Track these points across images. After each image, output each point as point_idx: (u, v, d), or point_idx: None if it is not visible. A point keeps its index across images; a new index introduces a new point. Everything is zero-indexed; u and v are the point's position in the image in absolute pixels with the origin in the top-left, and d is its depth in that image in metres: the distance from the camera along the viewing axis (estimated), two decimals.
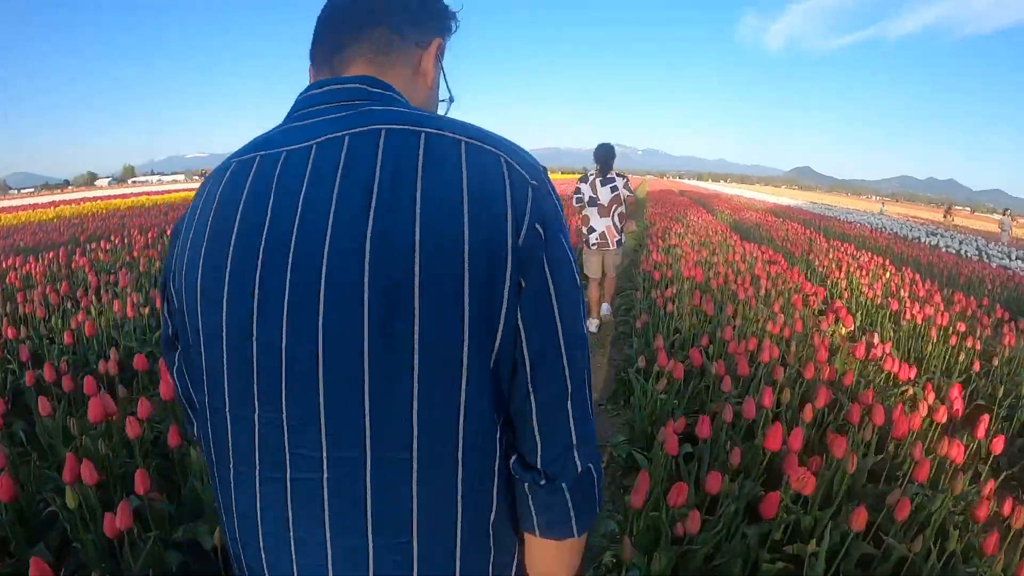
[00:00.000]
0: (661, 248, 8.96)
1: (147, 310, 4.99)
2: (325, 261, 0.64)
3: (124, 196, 24.56)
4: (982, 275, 10.22)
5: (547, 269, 0.68)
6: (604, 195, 5.72)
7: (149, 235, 9.21)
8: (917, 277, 8.29)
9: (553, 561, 0.80)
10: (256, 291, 0.67)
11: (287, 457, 0.70)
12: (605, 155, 5.65)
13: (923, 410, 3.06)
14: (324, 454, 0.68)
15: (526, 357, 0.69)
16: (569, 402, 0.72)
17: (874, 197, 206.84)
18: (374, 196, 0.64)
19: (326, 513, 0.69)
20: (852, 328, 5.38)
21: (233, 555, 0.82)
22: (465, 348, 0.65)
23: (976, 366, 4.46)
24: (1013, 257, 14.71)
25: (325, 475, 0.68)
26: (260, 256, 0.67)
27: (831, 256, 10.08)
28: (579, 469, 0.74)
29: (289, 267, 0.66)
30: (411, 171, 0.64)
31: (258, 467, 0.72)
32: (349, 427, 0.66)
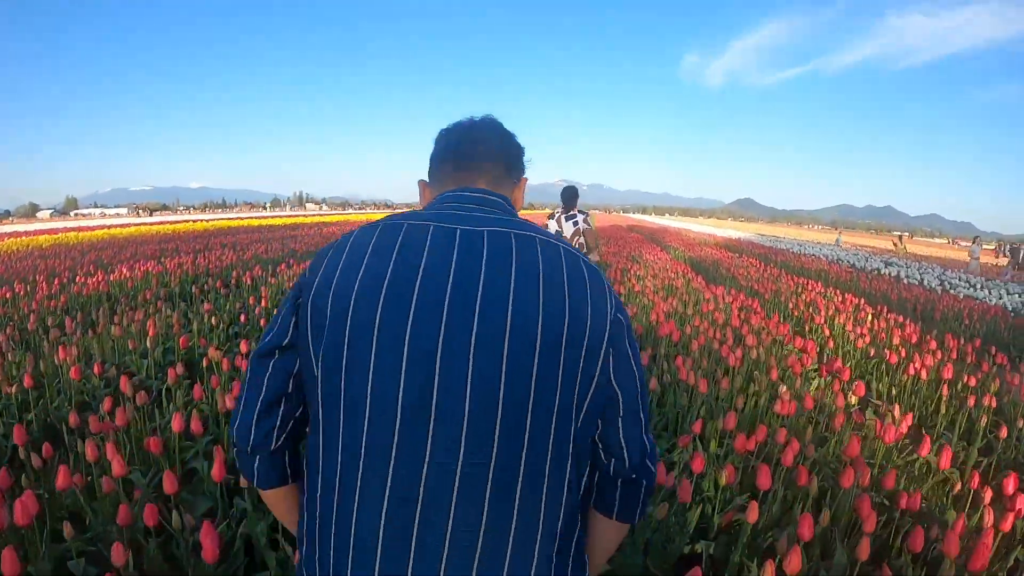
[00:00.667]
0: (622, 295, 8.23)
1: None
2: (509, 320, 0.86)
3: (54, 231, 23.37)
4: (958, 309, 9.75)
5: (627, 344, 0.97)
6: (567, 229, 6.15)
7: (55, 282, 8.05)
8: (901, 319, 7.79)
9: (613, 538, 1.10)
10: (442, 332, 0.86)
11: (424, 469, 0.86)
12: (569, 195, 6.14)
13: (988, 518, 2.45)
14: (468, 471, 0.86)
15: (620, 400, 0.96)
16: (644, 431, 1.00)
17: (817, 226, 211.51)
18: (540, 280, 0.89)
19: (450, 519, 0.86)
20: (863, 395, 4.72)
21: (322, 562, 0.91)
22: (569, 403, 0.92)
23: (1003, 432, 3.76)
24: (979, 287, 14.36)
25: (469, 490, 0.86)
26: (446, 307, 0.87)
27: (802, 296, 9.55)
28: (654, 473, 1.06)
29: (476, 319, 0.86)
30: (554, 267, 0.92)
31: (390, 480, 0.86)
32: (482, 457, 0.86)
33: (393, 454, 0.85)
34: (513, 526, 0.88)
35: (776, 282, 10.97)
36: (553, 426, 0.89)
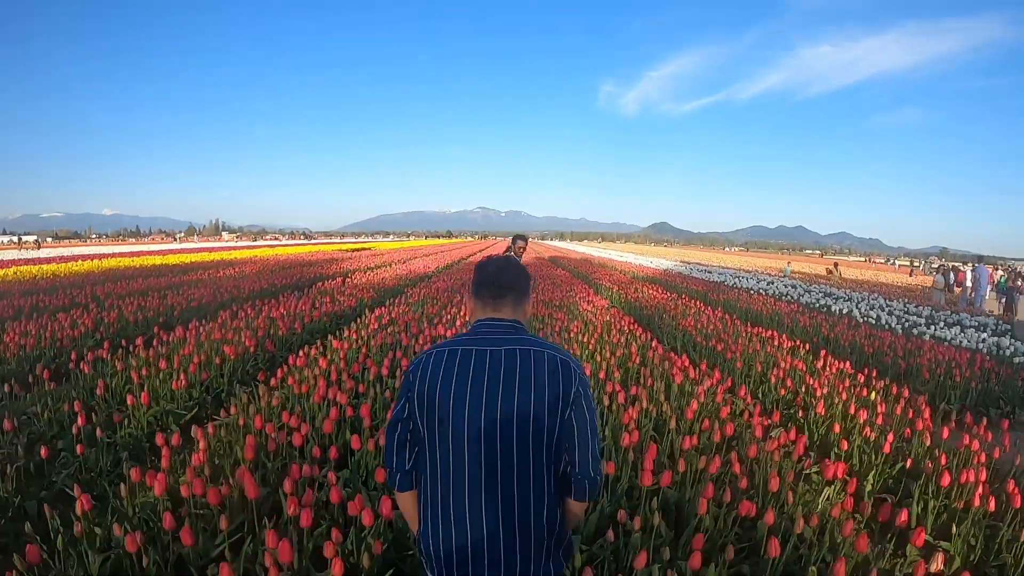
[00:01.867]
0: None
1: None
2: (524, 406, 1.77)
3: None
4: (947, 362, 8.66)
5: (584, 407, 1.85)
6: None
7: None
8: (894, 387, 6.80)
9: (578, 511, 1.98)
10: (484, 414, 1.79)
11: (478, 478, 1.79)
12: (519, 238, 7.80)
13: None
14: (502, 478, 1.79)
15: (577, 443, 1.84)
16: (590, 456, 1.85)
17: (734, 248, 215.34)
18: (533, 377, 1.81)
19: (497, 502, 1.80)
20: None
21: (428, 539, 1.87)
22: (549, 445, 1.84)
23: None
24: (941, 324, 13.27)
25: (505, 489, 1.80)
26: (489, 405, 1.78)
27: (763, 351, 8.46)
28: (599, 477, 1.92)
29: (508, 407, 1.78)
30: (540, 367, 1.82)
31: (462, 482, 1.82)
32: (507, 468, 1.78)
33: (466, 472, 1.81)
34: (529, 510, 1.84)
35: (735, 336, 9.56)
36: (547, 453, 1.87)
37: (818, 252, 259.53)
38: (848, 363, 7.99)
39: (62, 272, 20.21)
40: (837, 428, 5.49)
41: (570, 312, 11.11)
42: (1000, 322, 15.83)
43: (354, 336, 7.99)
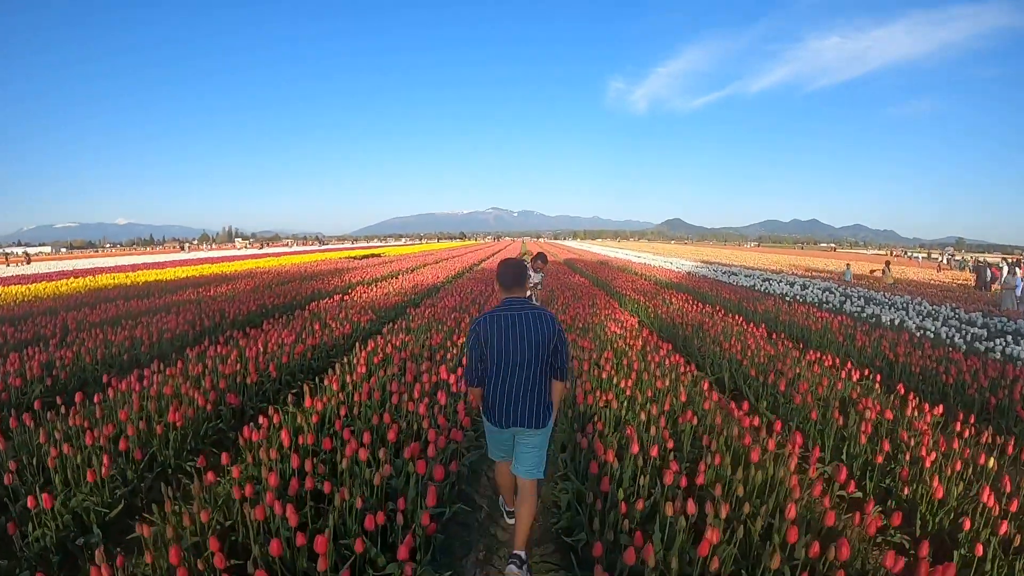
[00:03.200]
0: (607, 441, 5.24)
1: None
2: (534, 341, 3.94)
3: None
4: None
5: (561, 339, 4.03)
6: (535, 278, 10.46)
7: None
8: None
9: (559, 388, 4.15)
10: (514, 355, 3.95)
11: (515, 379, 3.98)
12: (540, 259, 10.35)
13: None
14: (527, 377, 3.98)
15: (558, 360, 4.05)
16: (564, 362, 4.07)
17: (749, 244, 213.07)
18: (539, 326, 3.96)
19: (524, 386, 3.99)
20: None
21: (489, 405, 4.08)
22: (547, 361, 4.03)
23: None
24: (1009, 336, 11.65)
25: (531, 379, 4.00)
26: (518, 342, 3.94)
27: (832, 387, 7.31)
28: (567, 369, 4.14)
29: (526, 343, 3.94)
30: (540, 323, 3.98)
31: (507, 378, 3.99)
32: (528, 371, 3.97)
33: (511, 371, 3.95)
34: (538, 392, 3.99)
35: (793, 366, 8.10)
36: (545, 363, 3.99)
37: (832, 245, 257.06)
38: (941, 407, 6.46)
39: (46, 293, 18.85)
40: (967, 524, 4.04)
41: (597, 337, 9.64)
42: None
43: (335, 384, 6.52)
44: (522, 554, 3.96)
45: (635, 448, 4.69)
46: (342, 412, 5.67)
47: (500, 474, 4.54)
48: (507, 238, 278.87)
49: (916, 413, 6.24)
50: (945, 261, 58.75)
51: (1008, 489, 4.37)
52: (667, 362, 7.96)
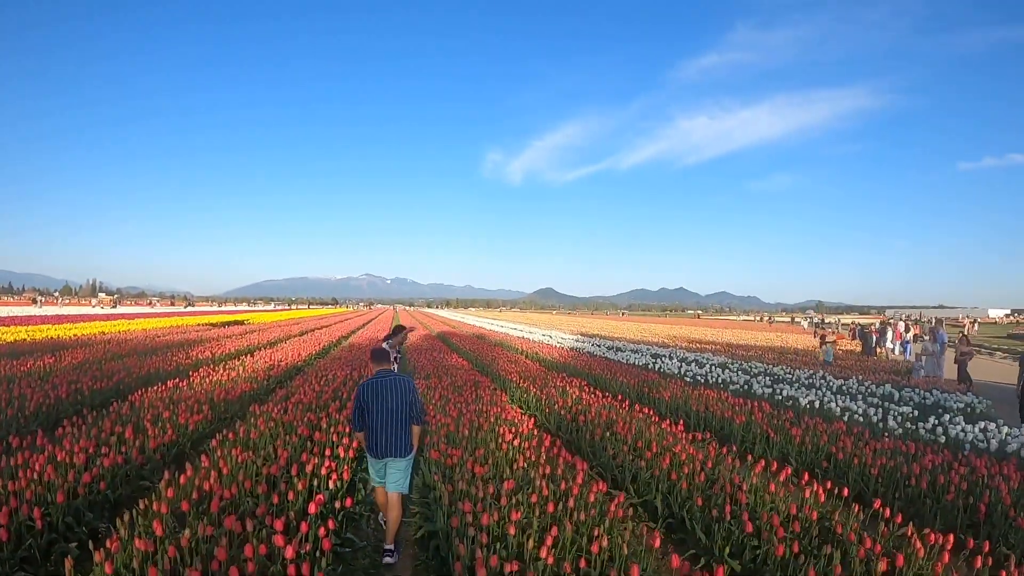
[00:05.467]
0: None
1: None
2: (398, 399, 6.12)
3: None
4: None
5: (416, 396, 6.29)
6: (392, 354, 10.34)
7: None
8: None
9: (417, 432, 6.31)
10: (384, 408, 6.09)
11: (386, 426, 6.08)
12: (396, 332, 11.71)
13: None
14: (394, 424, 6.09)
15: (415, 411, 6.22)
16: (420, 412, 6.34)
17: (621, 312, 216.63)
18: (401, 390, 6.18)
19: (392, 429, 6.10)
20: None
21: (370, 443, 6.16)
22: (408, 412, 6.18)
23: None
24: (946, 415, 10.39)
25: (397, 425, 6.12)
26: (387, 400, 6.09)
27: (809, 520, 5.66)
28: (424, 417, 6.60)
29: (393, 401, 6.11)
30: (400, 386, 6.19)
31: (381, 424, 6.08)
32: (394, 418, 6.09)
33: (379, 423, 6.05)
34: (403, 433, 6.10)
35: (749, 490, 6.43)
36: (406, 412, 6.12)
37: (698, 312, 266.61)
38: (951, 536, 4.85)
39: None
40: None
41: (491, 454, 7.61)
42: (974, 398, 13.73)
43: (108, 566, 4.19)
44: (391, 546, 6.12)
45: None
46: None
47: (377, 494, 6.57)
48: (380, 305, 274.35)
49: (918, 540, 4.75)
50: (810, 325, 59.56)
51: None
52: (591, 493, 6.04)
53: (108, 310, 69.60)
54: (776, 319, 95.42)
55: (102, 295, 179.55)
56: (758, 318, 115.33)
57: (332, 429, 8.48)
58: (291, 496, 5.98)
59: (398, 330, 12.63)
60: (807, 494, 6.41)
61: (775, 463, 7.44)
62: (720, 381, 16.58)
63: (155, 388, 11.71)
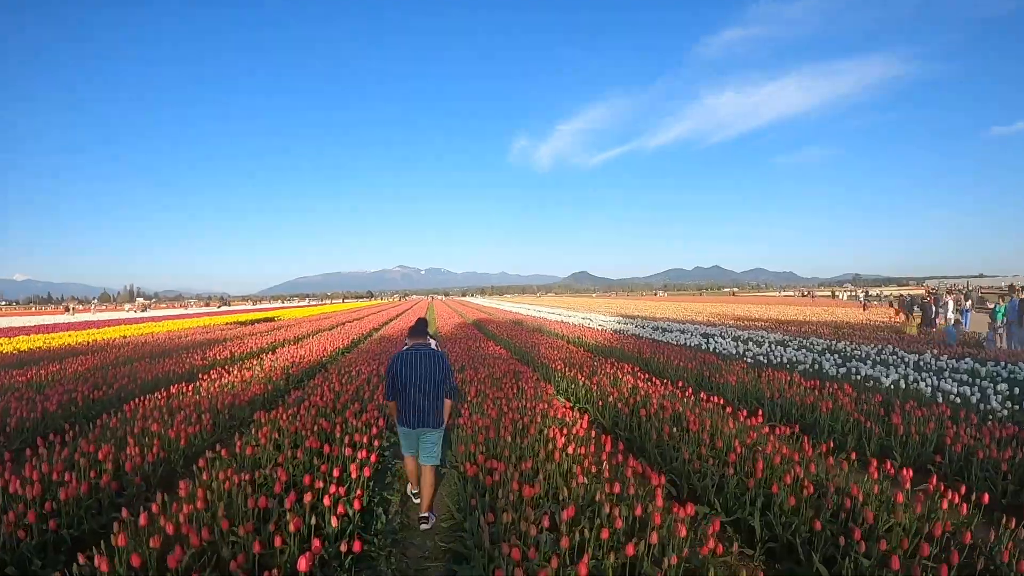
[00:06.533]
0: None
1: None
2: (430, 372, 6.31)
3: None
4: None
5: (450, 372, 6.53)
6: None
7: None
8: None
9: (449, 405, 6.57)
10: (417, 381, 6.27)
11: (418, 395, 6.26)
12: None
13: None
14: (426, 394, 6.27)
15: (447, 385, 6.49)
16: (453, 386, 6.58)
17: (659, 292, 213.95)
18: (433, 363, 6.37)
19: (425, 401, 6.28)
20: None
21: (402, 413, 6.34)
22: (441, 385, 6.40)
23: None
24: None
25: (429, 396, 6.31)
26: (419, 372, 6.28)
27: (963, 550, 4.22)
28: (457, 393, 7.52)
29: (420, 378, 6.28)
30: (434, 360, 6.41)
31: (414, 395, 6.25)
32: (427, 391, 6.27)
33: (412, 395, 6.22)
34: (435, 406, 6.28)
35: (883, 502, 4.95)
36: (439, 386, 6.33)
37: (733, 289, 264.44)
38: None
39: None
40: None
41: (538, 463, 6.18)
42: None
43: None
44: (427, 513, 6.32)
45: None
46: None
47: (408, 464, 6.76)
48: (415, 296, 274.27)
49: None
50: (865, 299, 57.28)
51: None
52: (678, 521, 4.55)
53: (139, 313, 69.10)
54: (817, 294, 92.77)
55: (140, 300, 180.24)
56: (803, 293, 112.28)
57: (347, 439, 7.13)
58: (277, 542, 4.35)
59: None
60: (944, 505, 4.94)
61: (874, 459, 5.95)
62: (786, 361, 14.90)
63: (156, 396, 10.35)
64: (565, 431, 7.22)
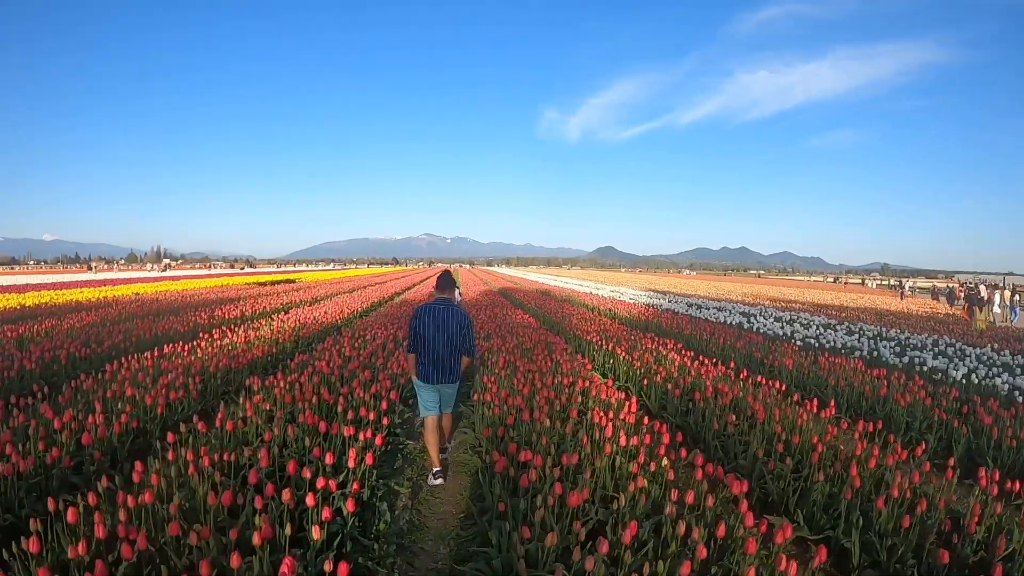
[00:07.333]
0: None
1: None
2: (452, 328, 6.10)
3: None
4: None
5: (471, 330, 6.30)
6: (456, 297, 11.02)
7: None
8: None
9: (467, 362, 6.37)
10: (440, 335, 6.08)
11: (444, 349, 6.08)
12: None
13: None
14: (446, 353, 6.10)
15: (468, 343, 6.24)
16: (472, 344, 6.29)
17: (688, 271, 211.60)
18: (456, 319, 6.15)
19: (445, 356, 6.11)
20: None
21: (421, 368, 6.12)
22: (462, 342, 6.20)
23: None
24: None
25: (450, 356, 6.16)
26: (441, 327, 6.07)
27: None
28: (475, 352, 7.07)
29: (443, 332, 6.08)
30: (458, 316, 6.20)
31: (435, 350, 6.07)
32: (448, 346, 6.10)
33: (435, 348, 6.03)
34: (455, 361, 6.16)
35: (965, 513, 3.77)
36: (459, 343, 6.13)
37: (759, 272, 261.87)
38: None
39: None
40: None
41: (584, 457, 5.07)
42: None
43: None
44: (439, 468, 6.27)
45: None
46: None
47: (429, 430, 6.34)
48: (440, 264, 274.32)
49: None
50: (908, 289, 55.61)
51: None
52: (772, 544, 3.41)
53: (159, 272, 68.55)
54: (848, 281, 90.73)
55: (165, 260, 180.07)
56: (835, 279, 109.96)
57: (350, 415, 6.16)
58: (234, 562, 3.12)
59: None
60: None
61: (981, 468, 4.80)
62: (840, 346, 13.71)
63: (146, 355, 9.33)
64: (611, 414, 6.11)
